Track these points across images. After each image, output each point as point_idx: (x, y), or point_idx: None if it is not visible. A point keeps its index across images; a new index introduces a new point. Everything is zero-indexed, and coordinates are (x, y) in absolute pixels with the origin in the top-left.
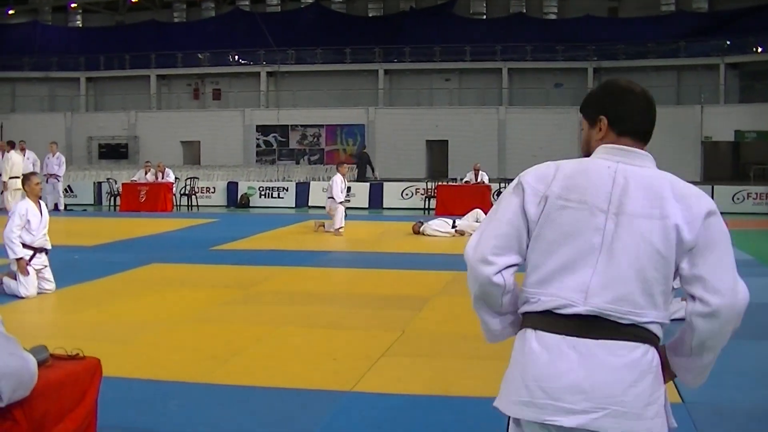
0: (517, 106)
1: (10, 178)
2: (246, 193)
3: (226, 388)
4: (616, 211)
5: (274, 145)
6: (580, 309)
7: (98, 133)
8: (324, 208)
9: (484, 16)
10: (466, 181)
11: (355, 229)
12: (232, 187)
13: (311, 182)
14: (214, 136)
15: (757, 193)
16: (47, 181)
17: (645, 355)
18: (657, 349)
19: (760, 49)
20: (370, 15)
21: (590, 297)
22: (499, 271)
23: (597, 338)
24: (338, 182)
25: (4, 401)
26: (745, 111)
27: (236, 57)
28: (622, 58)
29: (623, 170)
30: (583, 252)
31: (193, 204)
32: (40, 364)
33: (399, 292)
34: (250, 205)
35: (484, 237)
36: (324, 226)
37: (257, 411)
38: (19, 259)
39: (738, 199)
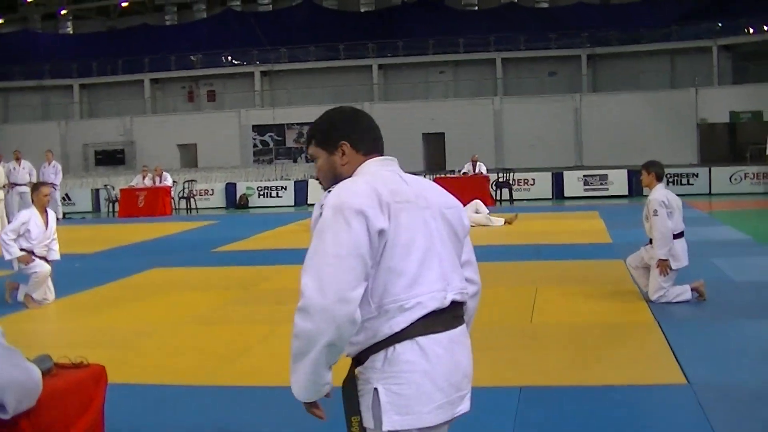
0: (512, 96)
1: None
2: (245, 194)
3: (234, 389)
4: (426, 205)
5: (271, 145)
6: (448, 300)
7: (94, 139)
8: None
9: (476, 7)
10: (464, 173)
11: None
12: (230, 188)
13: (309, 180)
14: (210, 137)
15: (753, 173)
16: None
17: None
18: None
19: (752, 30)
20: (363, 10)
21: (451, 285)
22: (358, 307)
23: (457, 326)
24: None
25: (10, 413)
26: (739, 92)
27: (229, 57)
28: (616, 44)
29: (401, 174)
30: (428, 245)
31: (192, 207)
32: (45, 373)
33: None
34: (249, 205)
35: (327, 277)
36: None
37: (266, 410)
38: (19, 258)
39: (735, 179)
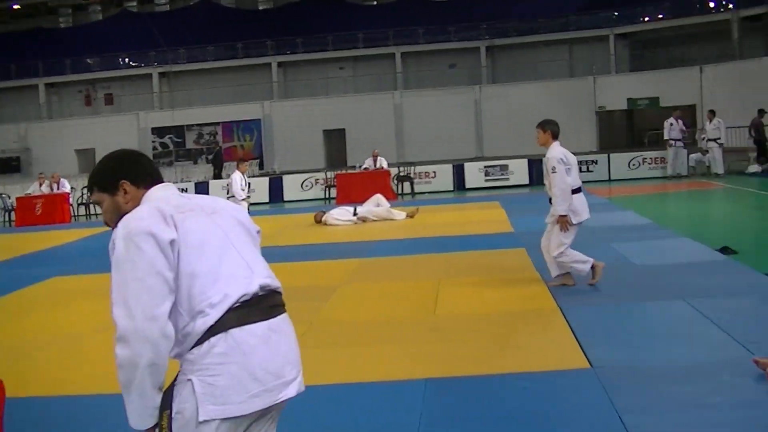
0: (412, 90)
1: None
2: None
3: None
4: (212, 210)
5: (171, 147)
6: (255, 285)
7: None
8: None
9: (375, 2)
10: (365, 168)
11: (257, 224)
12: None
13: (210, 181)
14: (108, 141)
15: (651, 158)
16: None
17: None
18: None
19: (647, 19)
20: (261, 8)
21: (255, 273)
22: (167, 321)
23: (276, 314)
24: (237, 180)
25: None
26: (636, 79)
27: (127, 60)
28: (514, 35)
29: (182, 194)
30: (223, 243)
31: (91, 213)
32: None
33: (305, 284)
34: None
35: (132, 301)
36: None
37: None
38: None
39: (634, 165)
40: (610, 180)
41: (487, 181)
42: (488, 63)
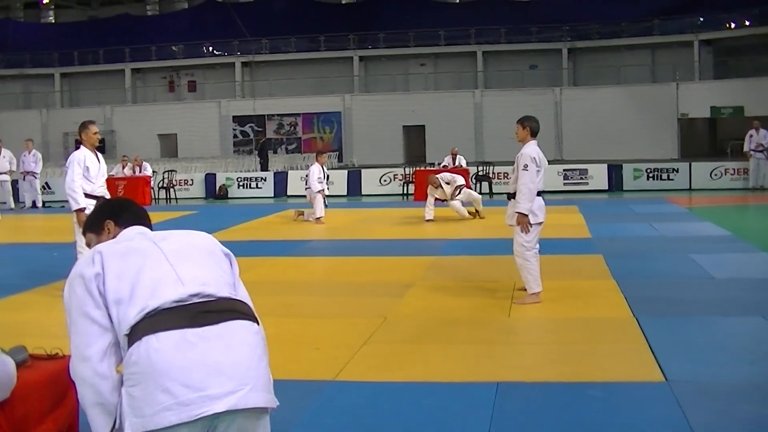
0: (492, 89)
1: None
2: (224, 185)
3: None
4: (160, 239)
5: (251, 135)
6: (182, 295)
7: (74, 128)
8: (304, 197)
9: (458, 0)
10: (444, 166)
11: (334, 217)
12: (210, 178)
13: (289, 171)
14: (190, 128)
15: (734, 169)
16: (24, 179)
17: (260, 331)
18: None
19: (733, 25)
20: (344, 2)
21: (187, 284)
22: (101, 359)
23: (209, 323)
24: (315, 171)
25: None
26: (720, 87)
27: (210, 48)
28: (596, 37)
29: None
30: (154, 264)
31: (171, 197)
32: (19, 365)
33: (380, 279)
34: (229, 196)
35: (71, 344)
36: (303, 215)
37: None
38: (79, 211)
39: (716, 175)
40: (690, 189)
41: (565, 185)
42: (569, 65)
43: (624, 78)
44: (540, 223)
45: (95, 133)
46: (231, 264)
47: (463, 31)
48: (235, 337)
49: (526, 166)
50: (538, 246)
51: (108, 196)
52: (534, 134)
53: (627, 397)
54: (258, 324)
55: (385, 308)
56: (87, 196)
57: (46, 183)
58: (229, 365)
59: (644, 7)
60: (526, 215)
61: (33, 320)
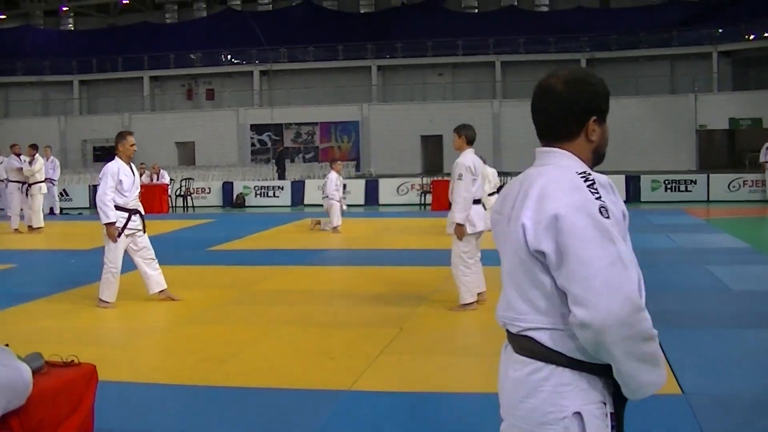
0: (511, 99)
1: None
2: (241, 193)
3: (225, 390)
4: (510, 215)
5: (269, 144)
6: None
7: (92, 135)
8: (321, 206)
9: (476, 10)
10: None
11: (351, 227)
12: (227, 187)
13: (306, 180)
14: (208, 136)
15: (753, 181)
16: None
17: (536, 372)
18: (559, 365)
19: (752, 37)
20: (362, 11)
21: (499, 307)
22: None
23: (511, 352)
24: (333, 180)
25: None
26: (739, 98)
27: (229, 56)
28: (615, 48)
29: (529, 173)
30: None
31: (188, 205)
32: (35, 371)
33: (397, 289)
34: (246, 204)
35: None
36: (320, 224)
37: (256, 412)
38: (109, 225)
39: (734, 187)
40: (708, 201)
41: None
42: None
43: (642, 89)
44: (479, 233)
45: (132, 144)
46: None
47: (481, 40)
48: (507, 371)
49: (460, 175)
50: (479, 255)
51: (142, 210)
52: (470, 143)
53: (643, 409)
54: (543, 360)
55: (402, 318)
56: (119, 208)
57: (64, 190)
58: (503, 396)
59: (663, 18)
60: (462, 225)
61: (48, 327)
